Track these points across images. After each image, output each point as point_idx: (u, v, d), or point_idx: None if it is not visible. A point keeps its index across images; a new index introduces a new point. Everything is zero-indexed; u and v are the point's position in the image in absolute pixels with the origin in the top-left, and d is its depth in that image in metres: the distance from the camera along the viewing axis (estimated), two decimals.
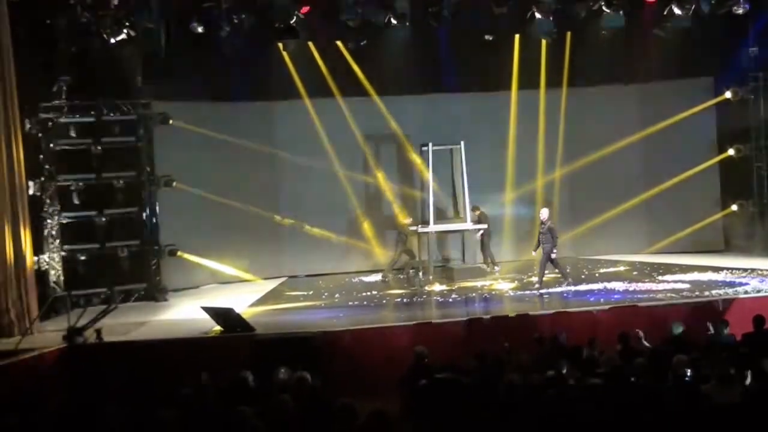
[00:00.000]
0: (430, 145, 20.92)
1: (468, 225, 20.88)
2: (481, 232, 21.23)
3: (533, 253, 18.97)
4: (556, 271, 18.65)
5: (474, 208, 21.21)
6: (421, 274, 20.84)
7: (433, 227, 20.80)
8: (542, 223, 18.22)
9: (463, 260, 21.76)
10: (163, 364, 13.17)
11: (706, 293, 16.20)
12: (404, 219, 21.73)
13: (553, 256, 18.10)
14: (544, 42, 22.66)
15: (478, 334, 14.02)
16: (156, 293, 19.97)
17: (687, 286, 17.40)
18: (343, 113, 22.76)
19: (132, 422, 8.16)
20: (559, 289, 18.06)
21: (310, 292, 19.87)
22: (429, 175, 20.88)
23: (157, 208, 20.49)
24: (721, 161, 23.31)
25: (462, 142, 20.80)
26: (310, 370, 9.92)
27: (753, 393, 8.12)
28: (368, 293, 19.41)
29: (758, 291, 16.25)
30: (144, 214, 20.32)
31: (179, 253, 20.81)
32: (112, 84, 19.83)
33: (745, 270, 18.96)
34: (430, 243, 21.03)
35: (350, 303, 18.17)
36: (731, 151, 22.84)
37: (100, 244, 19.96)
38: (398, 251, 21.54)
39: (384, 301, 18.31)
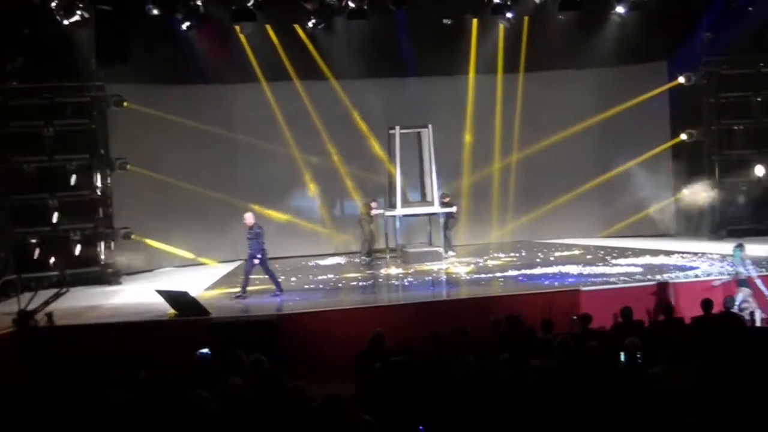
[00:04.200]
0: (398, 128, 20.87)
1: (436, 208, 20.85)
2: (448, 215, 21.22)
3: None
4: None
5: (443, 195, 21.24)
6: (387, 257, 20.96)
7: (400, 210, 20.77)
8: (249, 228, 16.82)
9: (429, 244, 21.71)
10: (116, 347, 12.99)
11: (658, 277, 16.32)
12: (365, 203, 21.70)
13: (256, 261, 16.62)
14: (501, 27, 22.66)
15: (434, 317, 14.01)
16: (109, 276, 19.75)
17: (640, 269, 17.53)
18: (300, 97, 22.60)
19: (85, 406, 8.04)
20: (512, 273, 18.11)
21: (267, 276, 19.72)
22: (397, 158, 20.82)
23: (111, 191, 20.22)
24: (673, 146, 23.56)
25: (430, 125, 20.79)
26: (266, 353, 9.84)
27: (704, 377, 8.17)
28: (325, 276, 19.34)
29: (708, 274, 16.43)
30: (97, 197, 20.05)
31: (133, 236, 20.59)
32: (65, 66, 19.49)
33: (695, 254, 19.16)
34: (397, 226, 21.00)
35: (306, 286, 18.09)
36: (683, 136, 23.06)
37: (52, 226, 19.68)
38: (366, 233, 21.51)
39: (340, 285, 18.25)
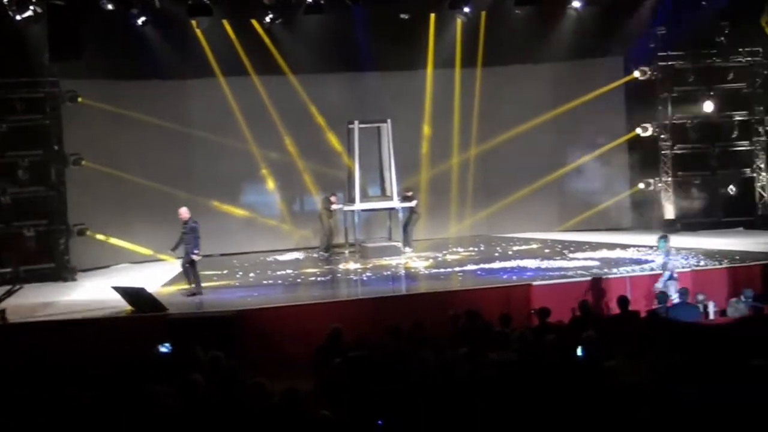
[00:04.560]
0: (357, 122, 20.84)
1: (395, 203, 20.85)
2: (409, 210, 21.26)
3: (171, 252, 17.42)
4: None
5: (406, 189, 21.28)
6: (346, 252, 21.05)
7: (359, 205, 20.74)
8: (184, 223, 16.66)
9: (389, 239, 21.71)
10: (71, 344, 12.86)
11: (614, 270, 16.48)
12: (325, 197, 21.67)
13: (196, 258, 16.50)
14: (459, 21, 22.70)
15: (393, 312, 14.03)
16: (64, 273, 19.52)
17: (596, 263, 17.68)
18: (258, 92, 22.47)
19: (40, 404, 7.96)
20: (471, 267, 18.19)
21: (225, 271, 19.64)
22: (356, 153, 20.80)
23: (66, 187, 19.98)
24: (629, 140, 23.72)
25: (389, 120, 20.79)
26: (224, 349, 9.81)
27: (659, 371, 8.25)
28: (283, 272, 19.28)
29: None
30: (51, 193, 19.80)
31: (89, 233, 20.36)
32: (18, 62, 19.21)
33: (650, 247, 19.36)
34: (356, 221, 20.96)
35: (265, 282, 18.02)
36: (639, 130, 23.21)
37: (5, 223, 19.42)
38: (325, 227, 21.50)
39: (299, 280, 18.21)
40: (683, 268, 16.09)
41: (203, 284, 16.90)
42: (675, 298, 14.22)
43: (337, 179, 22.65)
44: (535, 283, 15.47)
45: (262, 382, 7.97)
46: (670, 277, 14.95)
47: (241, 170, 22.86)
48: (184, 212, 16.67)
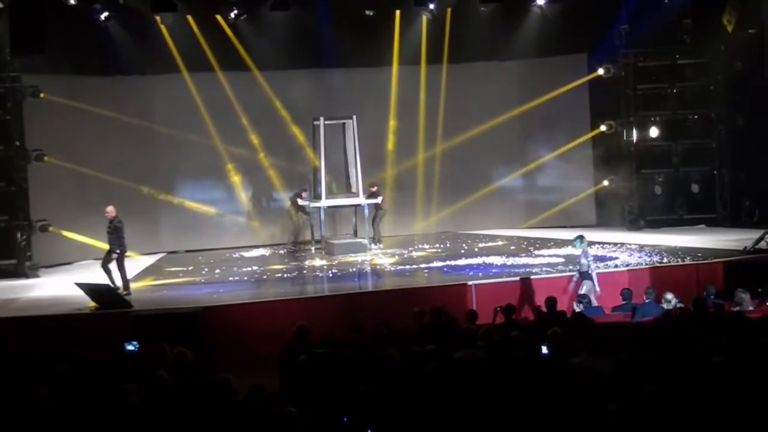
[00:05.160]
0: (322, 119, 20.83)
1: (360, 199, 20.86)
2: (374, 206, 21.27)
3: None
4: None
5: (371, 185, 21.29)
6: (312, 249, 21.07)
7: (325, 202, 20.74)
8: (110, 221, 16.16)
9: (355, 235, 21.71)
10: (34, 342, 12.74)
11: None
12: (295, 193, 21.65)
13: (115, 256, 15.95)
14: (424, 18, 22.73)
15: (358, 309, 14.06)
16: (26, 270, 19.35)
17: (561, 260, 17.77)
18: (223, 88, 22.38)
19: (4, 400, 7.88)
20: (437, 264, 18.24)
21: (190, 268, 19.58)
22: (321, 149, 20.79)
23: (28, 183, 19.79)
24: (593, 137, 23.88)
25: (354, 116, 20.80)
26: (190, 346, 9.77)
27: (623, 366, 8.33)
28: (249, 268, 19.22)
29: (627, 264, 16.76)
30: (13, 189, 19.59)
31: (51, 228, 20.21)
32: None
33: (615, 244, 19.52)
34: (321, 218, 20.94)
35: (231, 278, 17.97)
36: (603, 127, 23.38)
37: None
38: (294, 222, 21.53)
39: (265, 276, 18.18)
40: (606, 268, 16.19)
41: (173, 280, 16.81)
42: (593, 301, 14.40)
43: (303, 176, 22.69)
44: (497, 280, 15.58)
45: (227, 379, 7.97)
46: (589, 278, 15.05)
47: (205, 166, 22.76)
48: (111, 210, 16.20)
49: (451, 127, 23.77)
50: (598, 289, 14.93)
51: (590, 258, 15.47)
